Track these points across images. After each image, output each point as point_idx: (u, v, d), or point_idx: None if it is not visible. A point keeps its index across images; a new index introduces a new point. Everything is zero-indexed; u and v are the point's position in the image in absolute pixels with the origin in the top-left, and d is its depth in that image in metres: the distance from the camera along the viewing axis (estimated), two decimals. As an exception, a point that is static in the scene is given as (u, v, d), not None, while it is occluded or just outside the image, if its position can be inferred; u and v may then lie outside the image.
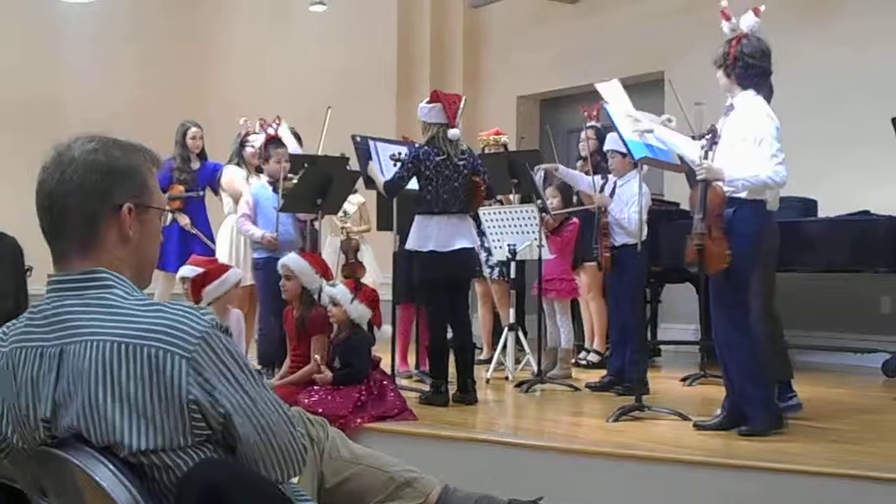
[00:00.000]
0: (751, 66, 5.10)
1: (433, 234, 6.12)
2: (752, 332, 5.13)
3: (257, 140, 7.83)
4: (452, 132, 6.18)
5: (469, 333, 6.42)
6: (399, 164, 6.28)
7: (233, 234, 7.73)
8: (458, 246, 6.17)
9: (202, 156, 8.59)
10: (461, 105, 6.33)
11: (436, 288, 6.24)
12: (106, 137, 2.09)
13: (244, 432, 1.99)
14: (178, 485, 1.92)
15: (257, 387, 2.03)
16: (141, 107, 11.90)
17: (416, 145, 7.08)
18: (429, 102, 6.28)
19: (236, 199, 7.67)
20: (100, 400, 1.92)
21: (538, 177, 7.36)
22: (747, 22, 5.15)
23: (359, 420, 5.37)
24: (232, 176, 7.94)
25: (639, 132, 5.64)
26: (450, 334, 6.33)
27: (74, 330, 1.96)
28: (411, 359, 7.74)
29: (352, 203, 8.38)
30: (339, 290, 5.82)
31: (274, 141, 7.41)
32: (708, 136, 5.21)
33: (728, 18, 5.19)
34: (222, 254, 7.76)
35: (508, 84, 11.46)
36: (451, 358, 6.30)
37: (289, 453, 2.07)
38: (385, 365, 6.28)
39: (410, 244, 6.25)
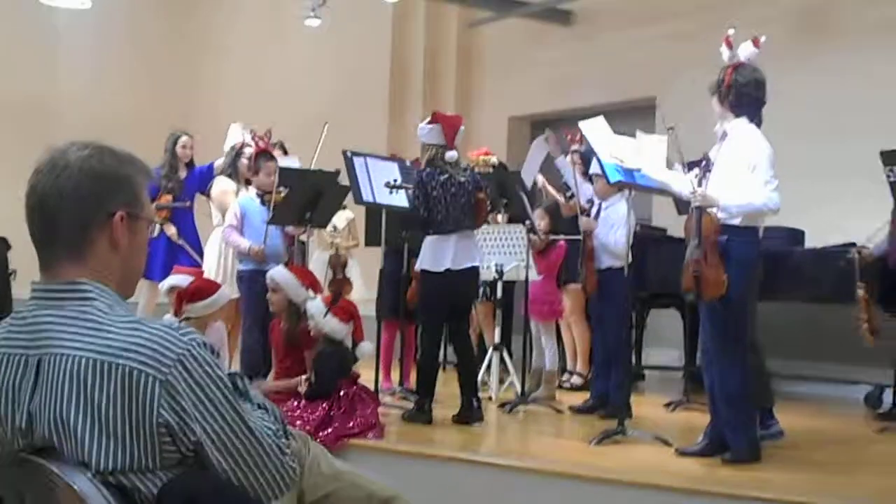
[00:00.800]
0: (744, 95, 5.14)
1: (449, 254, 6.12)
2: (744, 361, 5.13)
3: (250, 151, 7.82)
4: (450, 154, 6.19)
5: (471, 352, 6.43)
6: (410, 193, 6.29)
7: (221, 247, 7.71)
8: (468, 265, 6.20)
9: (190, 164, 8.59)
10: (462, 127, 6.33)
11: (439, 308, 6.24)
12: (100, 145, 2.08)
13: (216, 461, 1.95)
14: (158, 497, 1.91)
15: (238, 412, 1.98)
16: (133, 114, 11.90)
17: (409, 163, 7.12)
18: (429, 123, 6.27)
19: (225, 213, 7.64)
20: (70, 416, 1.90)
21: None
22: (745, 52, 5.19)
23: (321, 438, 5.27)
24: (223, 188, 7.91)
25: (618, 159, 5.69)
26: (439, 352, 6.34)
27: (52, 342, 1.95)
28: (395, 376, 7.72)
29: (342, 218, 8.38)
30: (313, 305, 5.82)
31: (264, 154, 7.41)
32: (702, 165, 5.24)
33: (730, 47, 5.22)
34: (210, 266, 7.74)
35: (500, 105, 11.49)
36: (442, 377, 6.30)
37: (271, 480, 2.02)
38: (369, 381, 6.26)
39: (424, 265, 6.20)
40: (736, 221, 5.08)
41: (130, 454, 1.90)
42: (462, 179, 6.21)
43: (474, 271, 6.35)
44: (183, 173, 8.53)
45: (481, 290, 8.08)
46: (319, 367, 5.76)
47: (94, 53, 12.71)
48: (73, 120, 10.96)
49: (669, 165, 5.76)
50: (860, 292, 6.76)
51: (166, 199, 8.38)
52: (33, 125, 10.68)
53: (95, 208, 2.02)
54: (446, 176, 6.15)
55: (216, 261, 7.76)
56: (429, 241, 6.21)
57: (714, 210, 5.10)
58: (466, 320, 6.51)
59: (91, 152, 2.05)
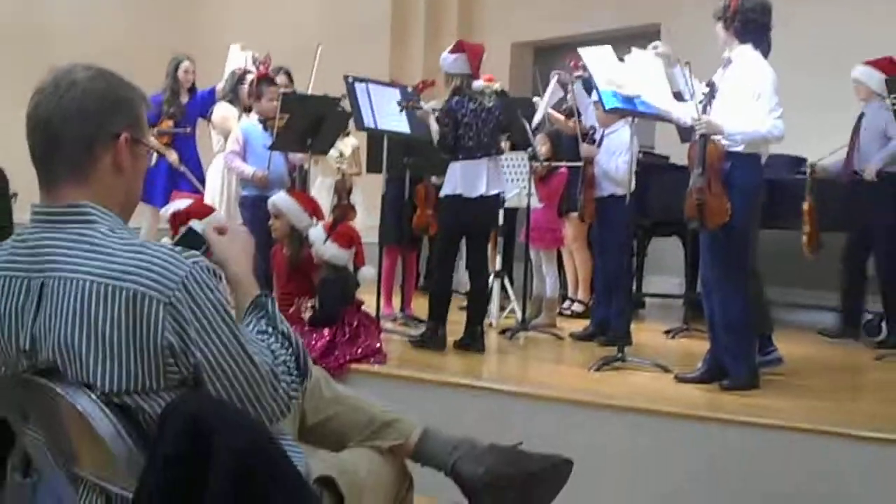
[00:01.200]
0: (750, 21, 5.09)
1: (483, 178, 6.08)
2: (746, 289, 5.15)
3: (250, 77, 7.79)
4: (477, 84, 6.15)
5: (486, 282, 6.45)
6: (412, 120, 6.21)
7: (224, 173, 7.70)
8: (496, 191, 6.20)
9: (192, 90, 8.54)
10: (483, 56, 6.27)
11: (457, 234, 6.24)
12: (103, 68, 2.08)
13: (210, 385, 1.97)
14: (161, 416, 1.93)
15: (236, 337, 1.99)
16: (130, 40, 11.74)
17: (410, 89, 7.05)
18: (452, 52, 6.19)
19: (226, 138, 7.61)
20: (75, 339, 1.92)
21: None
22: None
23: (325, 365, 5.26)
24: (225, 114, 7.88)
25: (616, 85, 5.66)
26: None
27: (55, 265, 1.96)
28: (395, 302, 7.75)
29: (348, 145, 8.36)
30: (314, 232, 5.80)
31: (265, 79, 7.38)
32: (706, 91, 5.20)
33: None
34: (213, 192, 7.73)
35: (503, 31, 11.36)
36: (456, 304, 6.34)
37: (266, 406, 2.04)
38: (370, 307, 6.29)
39: (455, 189, 6.11)
40: (739, 149, 5.06)
41: (134, 376, 1.92)
42: (489, 105, 6.17)
43: (499, 198, 6.36)
44: (185, 98, 8.49)
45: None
46: (323, 294, 5.77)
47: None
48: (71, 42, 10.87)
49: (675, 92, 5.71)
50: (805, 205, 6.86)
51: (167, 124, 8.35)
52: (31, 48, 10.59)
53: (101, 127, 2.03)
54: (476, 103, 6.11)
55: (219, 187, 7.75)
56: (457, 166, 6.13)
57: (719, 138, 5.08)
58: (486, 247, 6.50)
59: (95, 73, 2.05)
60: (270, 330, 2.15)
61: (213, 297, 1.96)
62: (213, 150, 8.06)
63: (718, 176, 5.06)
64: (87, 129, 2.01)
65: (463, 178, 6.09)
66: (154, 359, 1.92)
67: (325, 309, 5.71)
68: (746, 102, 5.01)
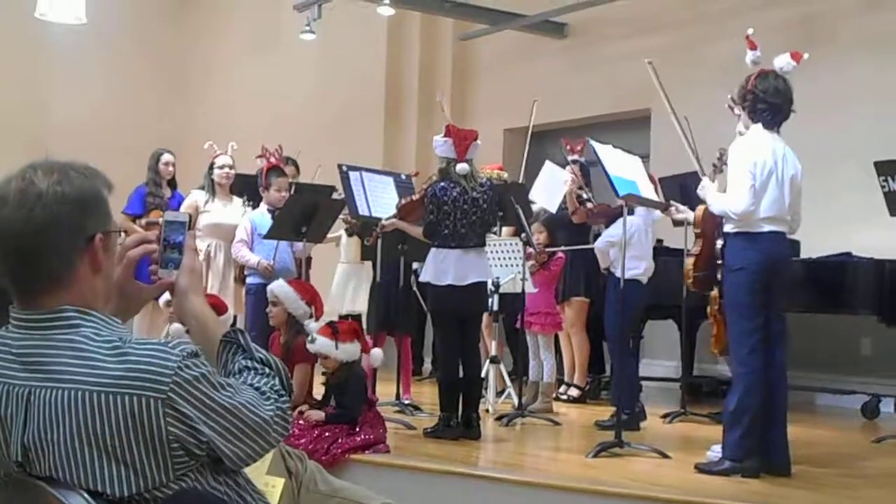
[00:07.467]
0: (760, 101, 5.17)
1: (451, 268, 6.06)
2: (744, 370, 5.10)
3: (221, 160, 7.98)
4: (460, 167, 6.17)
5: (478, 368, 6.42)
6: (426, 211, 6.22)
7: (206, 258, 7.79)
8: (472, 280, 6.14)
9: (172, 184, 8.62)
10: (476, 141, 6.31)
11: (448, 321, 6.22)
12: (62, 164, 2.02)
13: (230, 450, 1.97)
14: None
15: (231, 396, 1.99)
16: (124, 111, 11.88)
17: (404, 177, 7.12)
18: (444, 136, 6.27)
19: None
20: (77, 451, 1.89)
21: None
22: (780, 62, 5.22)
23: (325, 457, 5.21)
24: (193, 199, 7.99)
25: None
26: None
27: (43, 374, 1.92)
28: (391, 388, 7.69)
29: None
30: (320, 344, 5.72)
31: (275, 169, 7.49)
32: (716, 162, 5.36)
33: (753, 48, 5.27)
34: None
35: (496, 117, 11.47)
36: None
37: (270, 440, 2.05)
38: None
39: (426, 277, 6.17)
40: (729, 228, 5.13)
41: (145, 476, 1.90)
42: (476, 196, 6.18)
43: (479, 286, 6.26)
44: (167, 192, 8.54)
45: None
46: (344, 393, 5.69)
47: (82, 70, 12.59)
48: (67, 112, 11.10)
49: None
50: None
51: (158, 214, 8.40)
52: (29, 117, 10.77)
53: (76, 235, 1.99)
54: (459, 189, 6.15)
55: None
56: (431, 252, 6.18)
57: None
58: (476, 335, 6.48)
59: (59, 177, 1.98)
60: (250, 363, 2.14)
61: (201, 375, 1.94)
62: None
63: (709, 237, 5.22)
64: (63, 239, 1.97)
65: (432, 266, 6.13)
66: (162, 454, 1.90)
67: (350, 409, 5.63)
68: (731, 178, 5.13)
